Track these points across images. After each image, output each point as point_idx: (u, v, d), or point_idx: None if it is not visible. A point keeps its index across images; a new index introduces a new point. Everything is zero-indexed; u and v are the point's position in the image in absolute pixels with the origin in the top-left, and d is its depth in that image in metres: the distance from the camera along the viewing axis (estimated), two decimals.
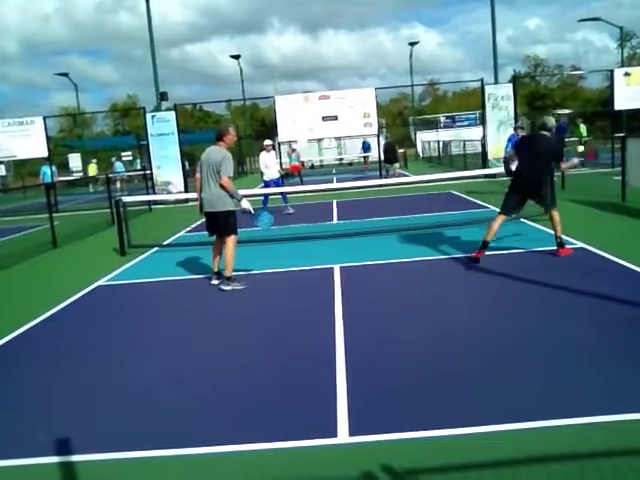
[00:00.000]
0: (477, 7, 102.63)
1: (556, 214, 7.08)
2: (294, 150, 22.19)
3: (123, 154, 36.14)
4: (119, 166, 26.51)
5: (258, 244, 9.22)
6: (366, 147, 30.61)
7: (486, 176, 16.93)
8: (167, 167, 19.37)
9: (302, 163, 25.93)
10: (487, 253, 6.98)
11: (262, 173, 13.48)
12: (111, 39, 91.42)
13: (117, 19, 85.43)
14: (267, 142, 13.31)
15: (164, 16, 77.33)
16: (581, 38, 79.82)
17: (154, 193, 18.37)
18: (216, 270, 6.89)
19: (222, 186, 6.45)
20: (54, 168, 22.06)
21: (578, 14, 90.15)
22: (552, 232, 7.16)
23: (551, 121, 7.15)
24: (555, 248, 7.13)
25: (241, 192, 6.80)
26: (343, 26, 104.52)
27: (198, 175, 6.77)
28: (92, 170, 29.88)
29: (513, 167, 7.31)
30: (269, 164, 13.10)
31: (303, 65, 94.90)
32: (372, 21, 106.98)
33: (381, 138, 22.62)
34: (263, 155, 13.18)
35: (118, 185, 25.72)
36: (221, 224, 6.58)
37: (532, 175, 6.97)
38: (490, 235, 7.03)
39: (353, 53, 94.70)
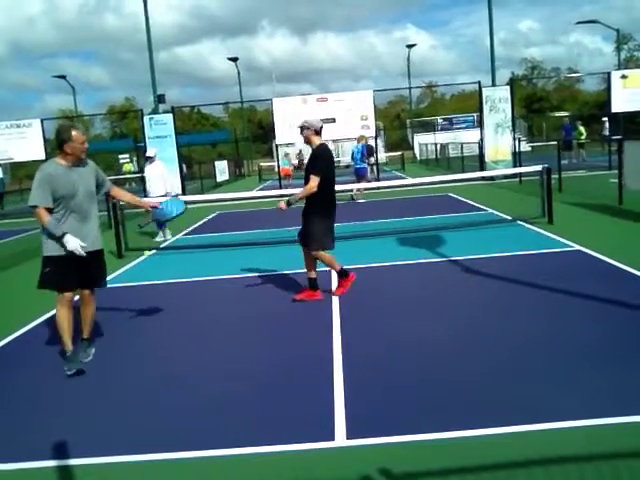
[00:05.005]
0: (471, 10, 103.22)
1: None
2: (287, 154, 22.16)
3: (121, 157, 36.12)
4: None
5: (257, 246, 9.21)
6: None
7: (483, 178, 16.98)
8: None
9: (300, 165, 25.93)
10: (486, 255, 6.96)
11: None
12: (102, 41, 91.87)
13: (108, 22, 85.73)
14: (148, 152, 11.39)
15: (154, 19, 77.43)
16: (574, 41, 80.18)
17: None
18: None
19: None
20: None
21: (571, 17, 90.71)
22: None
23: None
24: None
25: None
26: (335, 29, 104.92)
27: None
28: (127, 168, 29.15)
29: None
30: (151, 178, 10.94)
31: (296, 68, 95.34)
32: (364, 24, 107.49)
33: (379, 140, 22.68)
34: (146, 168, 11.10)
35: None
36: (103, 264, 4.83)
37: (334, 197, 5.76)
38: (336, 265, 6.03)
39: (346, 55, 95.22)
